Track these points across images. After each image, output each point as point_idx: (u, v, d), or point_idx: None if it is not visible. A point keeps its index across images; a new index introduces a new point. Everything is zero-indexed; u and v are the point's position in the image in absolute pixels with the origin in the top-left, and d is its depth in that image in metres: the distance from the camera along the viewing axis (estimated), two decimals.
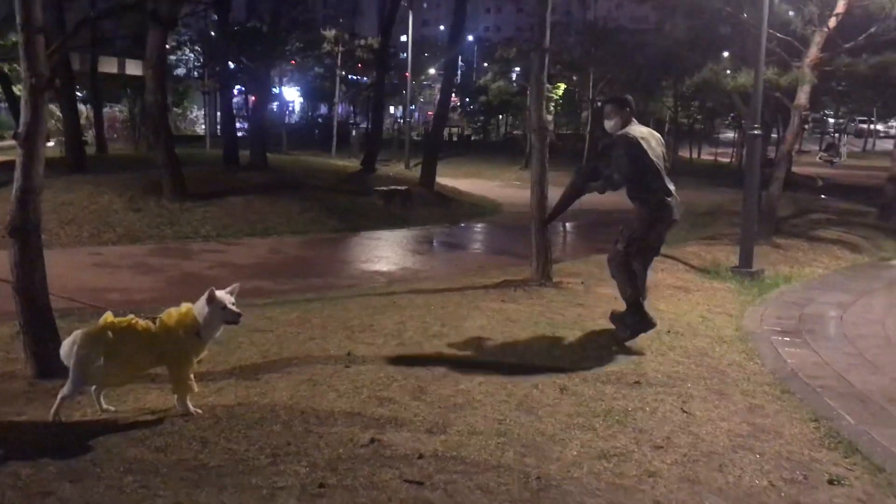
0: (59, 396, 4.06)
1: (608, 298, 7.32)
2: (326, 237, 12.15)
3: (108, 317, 4.13)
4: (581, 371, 5.19)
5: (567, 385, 4.89)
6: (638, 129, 5.67)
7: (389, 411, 4.33)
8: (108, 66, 22.12)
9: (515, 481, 3.52)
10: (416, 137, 33.71)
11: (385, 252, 11.33)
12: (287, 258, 10.12)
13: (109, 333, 4.03)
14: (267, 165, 16.98)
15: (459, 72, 56.85)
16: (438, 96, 21.26)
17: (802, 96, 11.17)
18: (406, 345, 5.63)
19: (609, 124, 5.81)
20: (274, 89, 33.51)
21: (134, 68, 24.50)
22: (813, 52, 10.92)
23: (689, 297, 7.81)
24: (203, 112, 36.45)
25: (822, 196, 20.45)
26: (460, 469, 3.62)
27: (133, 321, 4.14)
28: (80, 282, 7.63)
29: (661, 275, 8.61)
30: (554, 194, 8.24)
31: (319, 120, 43.33)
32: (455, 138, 41.77)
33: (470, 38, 62.11)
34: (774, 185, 11.73)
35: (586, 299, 7.34)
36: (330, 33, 29.02)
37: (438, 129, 20.30)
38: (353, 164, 22.73)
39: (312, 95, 42.81)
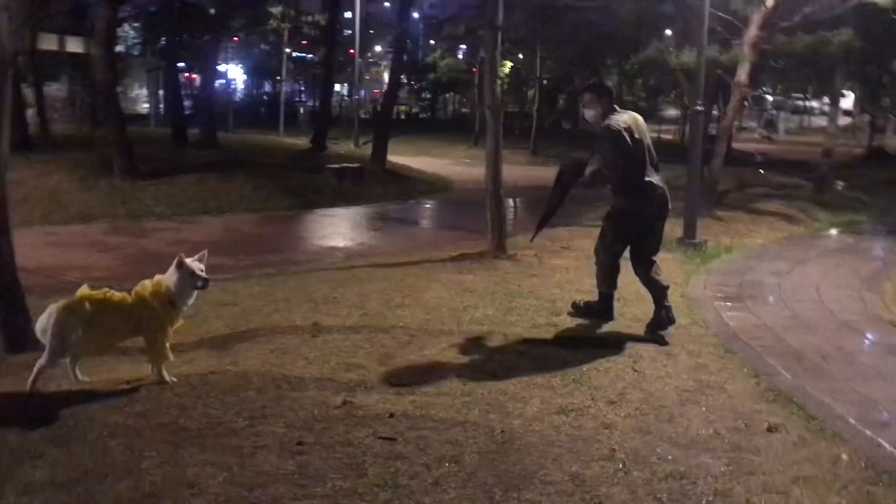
0: (36, 367, 4.15)
1: (561, 269, 7.63)
2: (281, 214, 12.22)
3: (84, 289, 4.23)
4: (537, 336, 5.47)
5: (525, 349, 5.15)
6: (621, 118, 5.39)
7: (358, 376, 4.53)
8: (48, 43, 21.51)
9: (482, 435, 3.77)
10: (363, 115, 33.62)
11: (340, 228, 11.48)
12: (243, 235, 10.18)
13: (87, 305, 4.13)
14: (217, 143, 16.87)
15: (393, 49, 56.72)
16: (386, 74, 21.32)
17: (743, 74, 11.62)
18: (370, 315, 5.83)
19: (589, 114, 5.56)
20: (218, 67, 32.99)
21: (75, 45, 23.84)
22: (752, 31, 11.36)
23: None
24: (145, 90, 35.75)
25: (761, 171, 21.16)
26: (429, 426, 3.85)
27: (109, 293, 4.25)
28: (38, 261, 7.59)
29: None
30: (506, 170, 8.54)
31: (265, 98, 42.80)
32: (403, 116, 41.76)
33: (416, 15, 61.78)
34: (716, 161, 12.20)
35: (540, 270, 7.62)
36: (276, 10, 28.72)
37: (389, 107, 20.37)
38: (302, 142, 22.63)
39: (257, 73, 42.28)
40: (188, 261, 4.29)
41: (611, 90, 5.69)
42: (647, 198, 5.41)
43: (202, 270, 4.33)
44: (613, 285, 5.81)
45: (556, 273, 7.43)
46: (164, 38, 20.15)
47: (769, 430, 4.01)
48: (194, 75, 30.91)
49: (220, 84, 37.04)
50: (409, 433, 3.74)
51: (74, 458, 3.40)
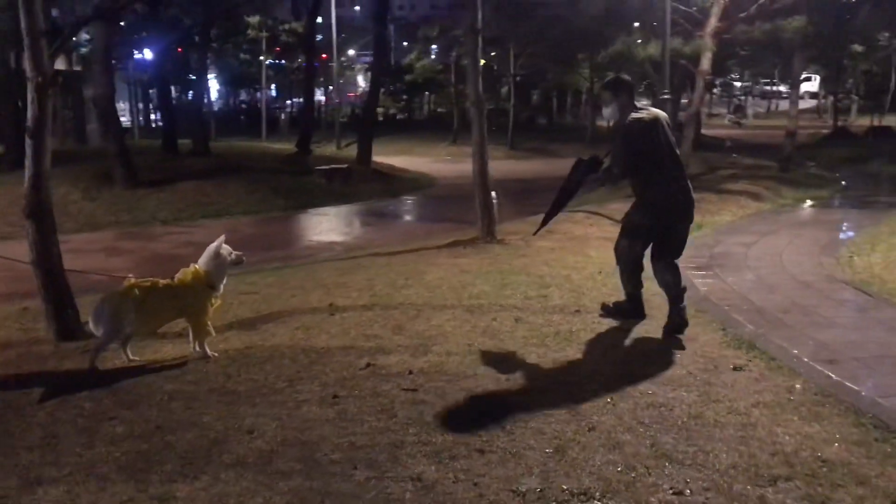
0: (93, 348, 4.75)
1: (546, 250, 8.29)
2: (277, 215, 12.81)
3: (131, 280, 4.83)
4: (530, 306, 6.12)
5: (520, 317, 5.80)
6: (641, 115, 5.12)
7: (376, 344, 5.15)
8: None
9: (490, 383, 4.40)
10: (341, 119, 34.16)
11: (335, 225, 12.10)
12: (246, 235, 10.76)
13: (136, 291, 4.73)
14: (209, 151, 17.41)
15: (373, 51, 57.25)
16: (360, 77, 21.83)
17: (705, 62, 12.37)
18: (378, 295, 6.45)
19: (606, 112, 5.40)
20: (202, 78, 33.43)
21: (58, 63, 24.21)
22: (712, 22, 12.11)
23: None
24: (121, 104, 36.04)
25: (734, 154, 21.96)
26: (444, 379, 4.47)
27: (155, 281, 4.86)
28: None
29: (589, 229, 9.65)
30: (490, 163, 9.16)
31: (243, 106, 43.14)
32: (381, 118, 42.31)
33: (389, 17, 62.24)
34: (686, 144, 12.95)
35: (528, 252, 8.28)
36: (254, 19, 29.19)
37: (372, 109, 20.98)
38: (285, 147, 23.18)
39: (233, 82, 42.64)
40: (223, 249, 4.91)
41: (630, 85, 5.35)
42: (667, 197, 5.18)
43: (232, 252, 4.96)
44: (639, 285, 5.60)
45: (543, 254, 8.08)
46: (147, 52, 20.54)
47: (734, 369, 4.67)
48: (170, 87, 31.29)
49: (194, 94, 37.47)
50: (427, 385, 4.37)
51: (144, 416, 4.00)
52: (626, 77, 5.47)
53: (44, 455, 3.56)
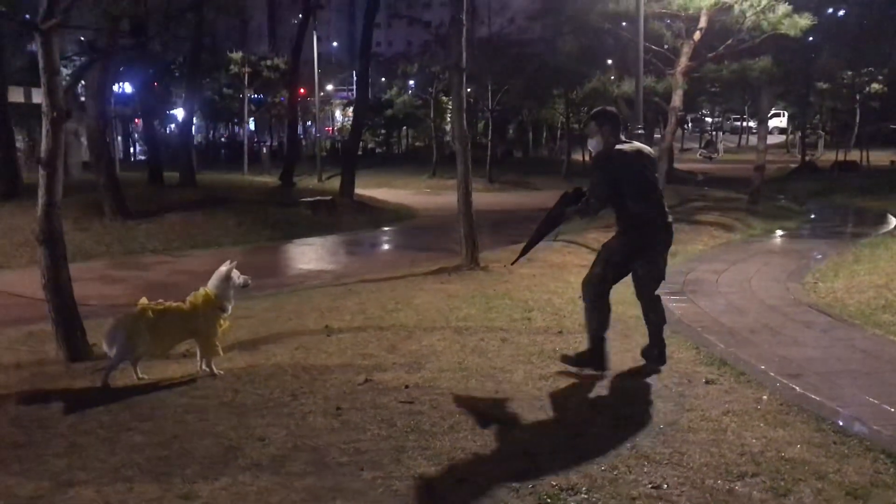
0: (107, 367, 5.03)
1: (528, 276, 8.68)
2: (264, 245, 13.10)
3: (143, 302, 5.14)
4: (515, 327, 6.47)
5: (506, 337, 6.15)
6: (622, 147, 5.17)
7: (373, 362, 5.47)
8: (16, 95, 22.08)
9: (481, 395, 4.75)
10: (316, 153, 34.51)
11: (322, 254, 12.43)
12: (236, 265, 11.00)
13: (150, 313, 5.03)
14: (195, 183, 17.72)
15: (355, 86, 57.95)
16: (337, 112, 22.22)
17: (677, 99, 12.96)
18: (371, 318, 6.78)
19: (592, 143, 5.38)
20: (177, 111, 33.81)
21: (40, 96, 24.43)
22: (683, 62, 12.72)
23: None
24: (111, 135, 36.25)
25: (704, 188, 22.64)
26: (438, 392, 4.80)
27: (166, 304, 5.16)
28: None
29: (568, 257, 10.07)
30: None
31: (223, 139, 43.46)
32: (360, 152, 42.81)
33: None
34: (659, 178, 13.47)
35: (511, 278, 8.66)
36: (236, 55, 29.69)
37: (355, 143, 21.44)
38: (267, 180, 23.55)
39: (213, 115, 43.00)
40: (233, 273, 5.24)
41: (615, 118, 5.33)
42: (639, 230, 5.16)
43: (240, 275, 5.28)
44: (602, 325, 5.28)
45: (525, 280, 8.47)
46: (126, 86, 20.90)
47: (707, 382, 5.05)
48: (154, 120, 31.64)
49: (177, 128, 37.73)
50: (423, 398, 4.70)
51: (161, 427, 4.29)
52: (613, 109, 5.51)
53: (71, 461, 3.83)
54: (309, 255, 12.36)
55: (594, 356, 5.27)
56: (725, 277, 9.04)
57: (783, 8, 11.65)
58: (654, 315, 5.40)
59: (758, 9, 11.67)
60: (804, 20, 11.71)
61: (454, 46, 8.93)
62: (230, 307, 5.29)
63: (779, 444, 3.97)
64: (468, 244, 9.10)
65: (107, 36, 10.43)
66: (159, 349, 5.21)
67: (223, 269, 5.26)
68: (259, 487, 3.50)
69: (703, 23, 12.42)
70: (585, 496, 3.39)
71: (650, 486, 3.48)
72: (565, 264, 9.39)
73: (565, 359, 5.37)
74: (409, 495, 3.42)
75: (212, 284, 5.25)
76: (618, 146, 5.17)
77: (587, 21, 13.48)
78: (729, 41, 12.70)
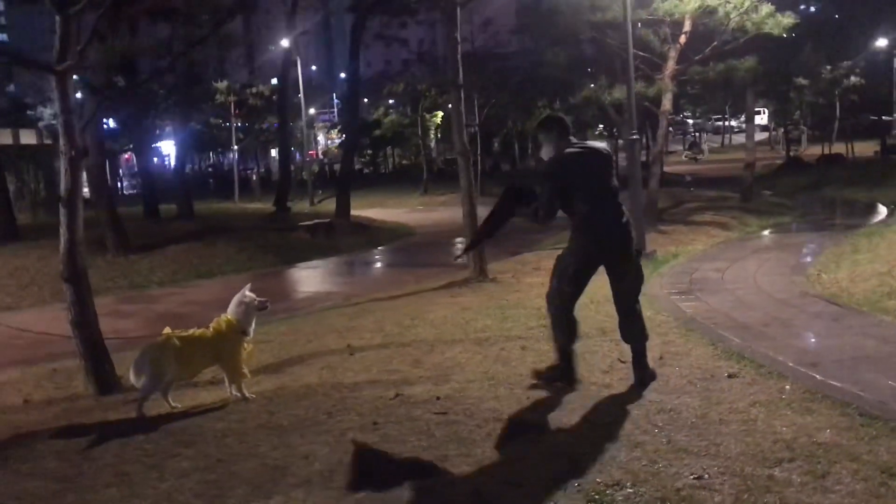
0: (140, 397, 5.10)
1: (538, 285, 8.77)
2: (267, 271, 13.19)
3: (167, 331, 5.22)
4: (533, 335, 6.58)
5: (525, 345, 6.26)
6: (571, 152, 4.89)
7: (400, 377, 5.57)
8: (4, 137, 22.22)
9: (513, 402, 4.84)
10: (305, 177, 34.65)
11: (327, 276, 12.55)
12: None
13: (175, 341, 5.12)
14: (193, 215, 17.85)
15: (336, 109, 58.24)
16: (321, 135, 22.26)
17: (667, 103, 13.19)
18: (390, 335, 6.88)
19: (544, 152, 5.09)
20: (163, 144, 34.01)
21: (28, 137, 24.60)
22: (670, 66, 12.97)
23: (601, 278, 9.24)
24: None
25: (691, 189, 22.91)
26: (470, 402, 4.90)
27: (191, 331, 5.25)
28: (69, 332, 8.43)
29: None
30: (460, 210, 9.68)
31: (210, 169, 43.54)
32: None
33: (342, 75, 63.49)
34: (653, 181, 13.69)
35: (520, 287, 8.79)
36: (222, 85, 29.85)
37: (349, 165, 21.62)
38: (262, 206, 23.64)
39: (199, 146, 43.10)
40: (248, 296, 5.31)
41: (562, 122, 5.12)
42: (590, 234, 4.89)
43: (256, 298, 5.34)
44: (569, 338, 5.05)
45: (535, 289, 8.58)
46: (122, 122, 21.02)
47: (729, 376, 5.17)
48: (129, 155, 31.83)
49: (160, 161, 37.80)
50: (456, 408, 4.79)
51: (203, 452, 4.36)
52: (558, 115, 5.29)
53: (121, 490, 3.90)
54: (314, 278, 12.47)
55: (564, 370, 5.06)
56: (730, 274, 9.19)
57: (766, 8, 11.92)
58: (629, 333, 5.10)
59: (741, 10, 11.93)
60: (787, 19, 11.98)
61: (450, 64, 9.11)
62: (252, 331, 5.36)
63: (809, 430, 4.08)
64: (475, 257, 9.21)
65: (103, 75, 10.57)
66: (186, 376, 5.30)
67: (239, 294, 5.34)
68: (313, 503, 3.58)
69: (687, 26, 12.68)
70: (632, 490, 3.49)
71: (692, 477, 3.58)
72: None
73: (536, 374, 5.22)
74: (460, 502, 3.51)
75: (231, 310, 5.32)
76: (568, 150, 4.91)
77: (574, 31, 13.72)
78: (714, 43, 12.96)
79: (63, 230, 5.77)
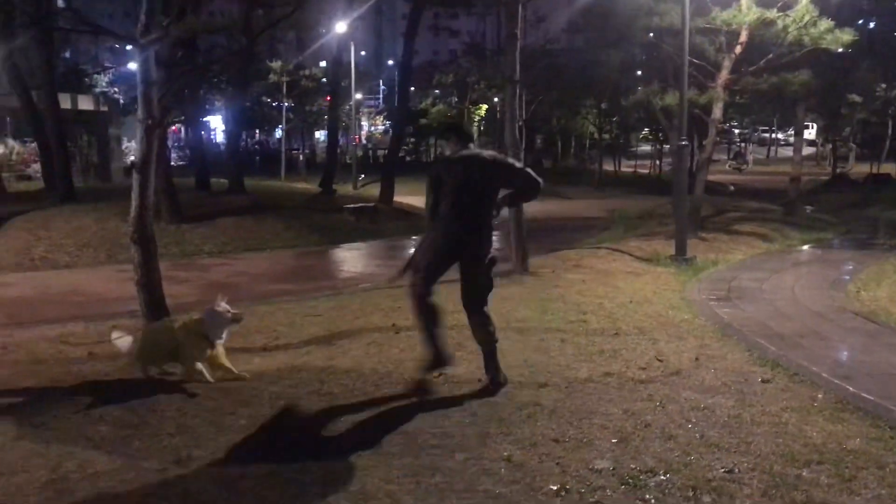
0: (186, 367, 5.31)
1: (578, 281, 8.98)
2: (313, 250, 13.54)
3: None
4: (572, 328, 6.78)
5: (565, 338, 6.46)
6: (449, 154, 5.31)
7: None
8: (63, 102, 22.80)
9: (553, 389, 5.06)
10: (348, 161, 35.01)
11: (371, 258, 12.85)
12: (290, 267, 11.47)
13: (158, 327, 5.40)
14: (244, 190, 18.33)
15: (382, 95, 58.61)
16: (364, 121, 22.44)
17: (717, 111, 13.23)
18: None
19: (448, 153, 5.39)
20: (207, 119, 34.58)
21: (85, 103, 25.24)
22: (724, 75, 12.99)
23: (640, 279, 9.54)
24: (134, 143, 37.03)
25: (732, 197, 22.82)
26: (510, 385, 5.11)
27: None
28: (123, 293, 8.81)
29: (614, 264, 10.37)
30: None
31: (256, 146, 44.17)
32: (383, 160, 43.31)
33: (390, 62, 63.90)
34: (698, 188, 13.74)
35: (560, 282, 8.98)
36: (276, 64, 30.34)
37: (395, 151, 21.96)
38: (308, 186, 24.05)
39: (248, 123, 43.70)
40: (222, 307, 5.22)
41: (458, 129, 5.53)
42: (437, 230, 5.21)
43: (231, 310, 5.25)
44: (431, 318, 5.19)
45: (575, 285, 8.77)
46: (175, 95, 21.50)
47: (763, 381, 5.34)
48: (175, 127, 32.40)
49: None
50: (496, 390, 5.02)
51: (260, 413, 4.64)
52: (457, 122, 5.65)
53: (185, 440, 4.19)
54: (357, 259, 12.78)
55: (436, 356, 5.15)
56: (768, 285, 9.28)
57: (825, 23, 11.89)
58: (476, 334, 5.27)
59: (800, 24, 11.92)
60: (846, 35, 11.93)
61: (508, 60, 9.29)
62: (220, 342, 5.25)
63: (839, 437, 4.24)
64: (518, 250, 9.42)
65: (178, 49, 10.92)
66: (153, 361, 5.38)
67: (214, 304, 5.22)
68: (362, 465, 3.84)
69: (743, 37, 12.69)
70: (664, 477, 3.69)
71: (723, 470, 3.77)
72: (612, 271, 9.70)
73: (422, 372, 5.23)
74: (500, 474, 3.74)
75: (204, 313, 5.26)
76: (449, 155, 5.27)
77: (629, 34, 13.81)
78: (769, 55, 12.95)
79: (134, 195, 6.09)
